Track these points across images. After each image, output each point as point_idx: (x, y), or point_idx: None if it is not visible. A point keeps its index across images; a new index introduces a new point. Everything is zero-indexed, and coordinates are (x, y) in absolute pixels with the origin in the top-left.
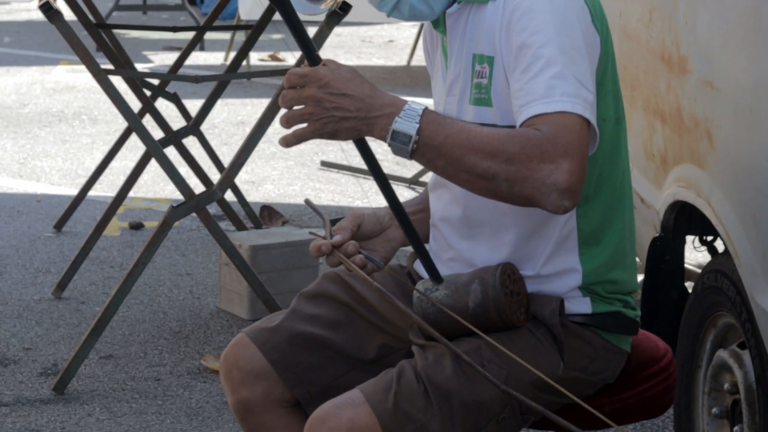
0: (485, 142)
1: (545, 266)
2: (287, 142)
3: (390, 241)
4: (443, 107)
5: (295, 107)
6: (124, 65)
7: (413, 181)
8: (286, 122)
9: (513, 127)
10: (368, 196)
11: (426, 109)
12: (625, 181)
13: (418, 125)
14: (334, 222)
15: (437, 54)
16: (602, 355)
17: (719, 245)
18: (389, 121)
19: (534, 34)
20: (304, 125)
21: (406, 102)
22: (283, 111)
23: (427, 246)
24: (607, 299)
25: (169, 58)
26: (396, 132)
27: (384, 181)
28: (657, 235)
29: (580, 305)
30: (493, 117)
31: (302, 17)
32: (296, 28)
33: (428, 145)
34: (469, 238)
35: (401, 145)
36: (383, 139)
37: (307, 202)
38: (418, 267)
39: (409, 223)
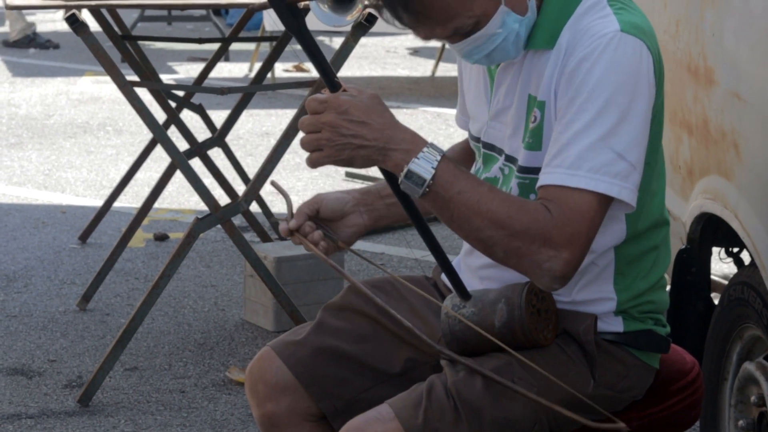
0: (493, 210)
1: (579, 293)
2: (308, 165)
3: (350, 227)
4: (486, 129)
5: (313, 133)
6: (149, 77)
7: None
8: (303, 147)
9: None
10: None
11: (444, 157)
12: (662, 212)
13: (434, 171)
14: None
15: (478, 71)
16: (632, 373)
17: (745, 257)
18: (405, 157)
19: (587, 91)
20: (320, 151)
21: (426, 143)
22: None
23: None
24: (639, 318)
25: (194, 69)
26: (411, 172)
27: (407, 200)
28: (683, 247)
29: (612, 324)
30: (540, 160)
31: (329, 27)
32: (314, 54)
33: (439, 195)
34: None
35: (414, 186)
36: (396, 173)
37: (273, 183)
38: (446, 279)
39: (435, 241)
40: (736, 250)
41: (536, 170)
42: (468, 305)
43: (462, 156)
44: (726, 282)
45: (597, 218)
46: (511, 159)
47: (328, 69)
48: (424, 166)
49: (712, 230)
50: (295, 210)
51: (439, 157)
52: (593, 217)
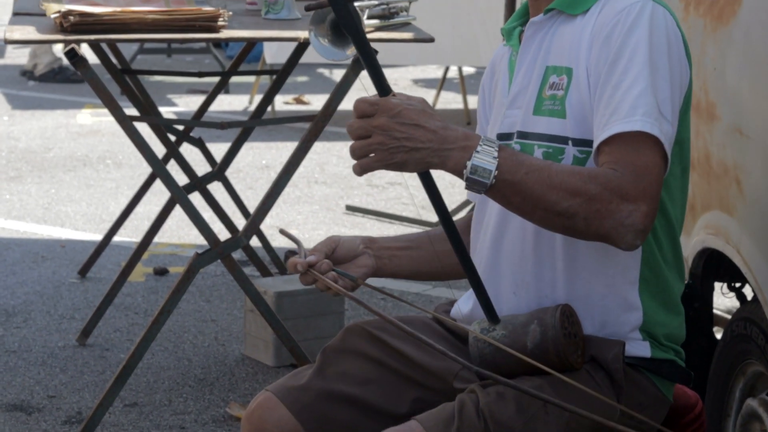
0: (566, 181)
1: (606, 298)
2: (356, 172)
3: (361, 267)
4: (502, 120)
5: (364, 138)
6: (148, 111)
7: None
8: (353, 153)
9: (584, 140)
10: None
11: (501, 145)
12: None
13: (497, 160)
14: None
15: (500, 80)
16: (652, 404)
17: (748, 292)
18: (465, 155)
19: (629, 51)
20: (372, 155)
21: (479, 137)
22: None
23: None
24: (664, 347)
25: (194, 101)
26: (475, 167)
27: (447, 217)
28: (686, 282)
29: (639, 348)
30: (563, 128)
31: (327, 61)
32: (368, 55)
33: (507, 181)
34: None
35: (480, 180)
36: (458, 173)
37: (282, 231)
38: (457, 310)
39: (469, 260)
40: (738, 285)
41: (558, 138)
42: (497, 328)
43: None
44: (729, 316)
45: (660, 174)
46: (524, 135)
47: (379, 72)
48: (486, 159)
49: (715, 265)
50: (310, 249)
51: (497, 147)
52: (658, 172)
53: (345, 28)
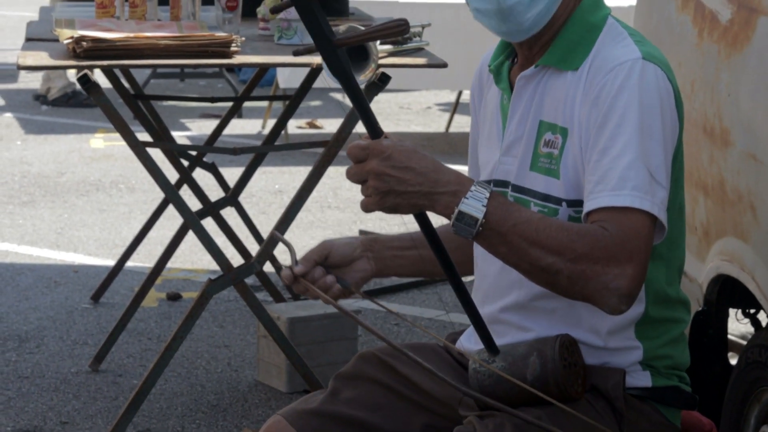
0: (553, 237)
1: (609, 340)
2: (361, 208)
3: (358, 272)
4: (495, 165)
5: (360, 182)
6: (161, 136)
7: None
8: (361, 192)
9: (577, 201)
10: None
11: (493, 192)
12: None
13: (485, 209)
14: None
15: (491, 109)
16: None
17: (762, 318)
18: (454, 200)
19: (618, 115)
20: (369, 198)
21: (472, 181)
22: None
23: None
24: (665, 374)
25: (207, 126)
26: (462, 213)
27: (444, 255)
28: (700, 308)
29: (640, 379)
30: (558, 189)
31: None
32: (359, 100)
33: (494, 231)
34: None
35: (466, 227)
36: (447, 217)
37: (274, 234)
38: (460, 346)
39: (468, 296)
40: (753, 311)
41: (553, 199)
42: (497, 360)
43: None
44: (743, 342)
45: (650, 236)
46: (519, 188)
47: (370, 115)
48: (474, 206)
49: (729, 292)
50: (300, 257)
51: (488, 194)
52: (647, 233)
53: (333, 72)
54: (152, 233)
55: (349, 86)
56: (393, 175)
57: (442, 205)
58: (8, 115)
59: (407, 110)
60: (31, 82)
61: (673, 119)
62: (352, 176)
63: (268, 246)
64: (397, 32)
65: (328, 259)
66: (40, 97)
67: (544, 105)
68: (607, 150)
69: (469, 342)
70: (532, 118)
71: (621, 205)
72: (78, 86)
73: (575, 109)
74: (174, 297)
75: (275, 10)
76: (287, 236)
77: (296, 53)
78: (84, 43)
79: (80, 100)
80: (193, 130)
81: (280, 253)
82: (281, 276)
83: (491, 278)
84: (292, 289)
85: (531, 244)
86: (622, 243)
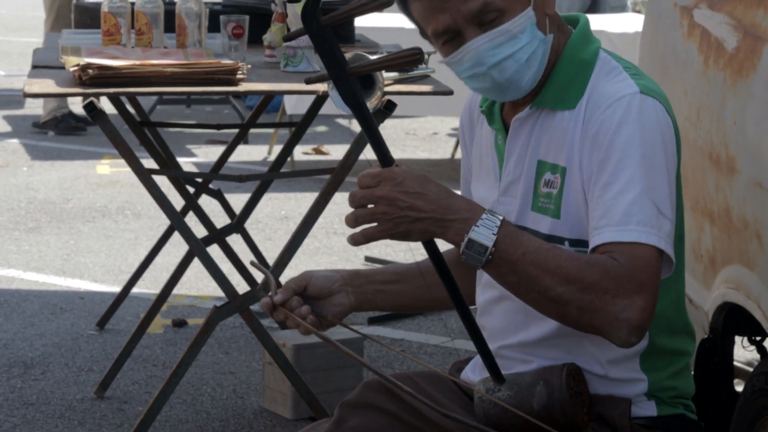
0: (563, 266)
1: (611, 369)
2: (355, 240)
3: (336, 306)
4: (494, 206)
5: (367, 206)
6: (167, 163)
7: None
8: (354, 221)
9: (580, 240)
10: None
11: (504, 221)
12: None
13: (495, 237)
14: None
15: (485, 147)
16: None
17: None
18: (465, 227)
19: (619, 150)
20: (374, 225)
21: (483, 210)
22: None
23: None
24: (671, 403)
25: (213, 151)
26: (472, 241)
27: (451, 282)
28: (706, 336)
29: (646, 408)
30: (559, 229)
31: (347, 116)
32: (371, 128)
33: (503, 260)
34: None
35: (476, 255)
36: (456, 244)
37: (253, 263)
38: (465, 377)
39: (475, 325)
40: (759, 338)
41: (554, 239)
42: (503, 389)
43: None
44: (749, 368)
45: (658, 269)
46: (522, 229)
47: (381, 143)
48: (484, 234)
49: (735, 319)
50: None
51: (499, 222)
52: (656, 265)
53: (346, 101)
54: (158, 260)
55: (361, 115)
56: (406, 200)
57: (453, 232)
58: (14, 141)
59: (413, 136)
60: (38, 108)
61: (673, 151)
62: (358, 200)
63: (273, 273)
64: (411, 61)
65: (307, 290)
66: (36, 124)
67: (542, 145)
68: (610, 185)
69: (474, 374)
70: (529, 158)
71: (627, 240)
72: (68, 111)
73: (574, 148)
74: (179, 324)
75: (288, 39)
76: (294, 262)
77: (308, 81)
78: (90, 71)
79: (69, 124)
80: (199, 156)
81: (285, 279)
82: (260, 304)
83: (494, 318)
84: (273, 318)
85: (540, 274)
86: (632, 274)
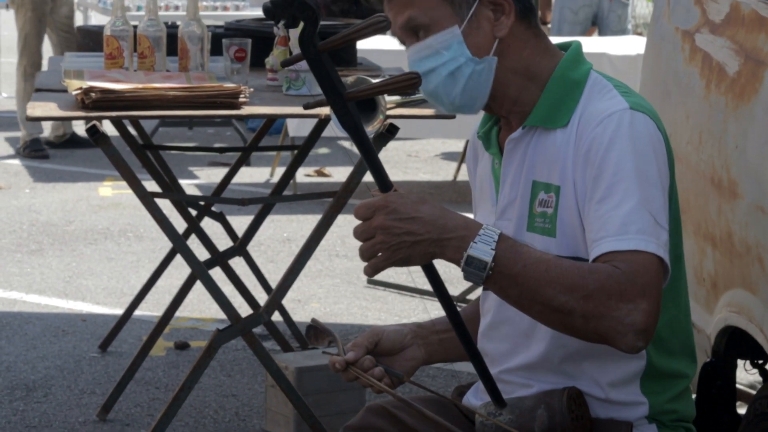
0: (564, 275)
1: (612, 392)
2: (366, 274)
3: (409, 360)
4: None
5: (368, 240)
6: (169, 186)
7: (460, 299)
8: (362, 255)
9: (576, 258)
10: (414, 315)
11: (502, 235)
12: (686, 320)
13: (494, 252)
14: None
15: (485, 175)
16: None
17: None
18: (463, 244)
19: (612, 165)
20: (378, 255)
21: (480, 225)
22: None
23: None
24: (672, 426)
25: (215, 174)
26: (471, 258)
27: (450, 305)
28: (708, 360)
29: None
30: (556, 248)
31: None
32: (369, 153)
33: (504, 274)
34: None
35: (476, 271)
36: (456, 262)
37: (314, 321)
38: (467, 401)
39: (475, 348)
40: (761, 362)
41: None
42: (504, 412)
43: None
44: (752, 391)
45: (660, 275)
46: None
47: (381, 169)
48: (483, 249)
49: (737, 343)
50: (350, 344)
51: (497, 237)
52: (657, 270)
53: (344, 126)
54: (160, 282)
55: (359, 140)
56: (400, 226)
57: (451, 250)
58: (17, 162)
59: (415, 158)
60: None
61: (665, 165)
62: (359, 234)
63: (276, 296)
64: (409, 86)
65: (378, 346)
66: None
67: (536, 165)
68: (606, 199)
69: (476, 398)
70: (524, 179)
71: (626, 248)
72: (39, 134)
73: (567, 166)
74: (182, 346)
75: (286, 64)
76: (296, 285)
77: (307, 107)
78: (93, 94)
79: (35, 148)
80: (201, 178)
81: (288, 302)
82: (330, 362)
83: (495, 342)
84: (341, 376)
85: (542, 285)
86: (634, 279)
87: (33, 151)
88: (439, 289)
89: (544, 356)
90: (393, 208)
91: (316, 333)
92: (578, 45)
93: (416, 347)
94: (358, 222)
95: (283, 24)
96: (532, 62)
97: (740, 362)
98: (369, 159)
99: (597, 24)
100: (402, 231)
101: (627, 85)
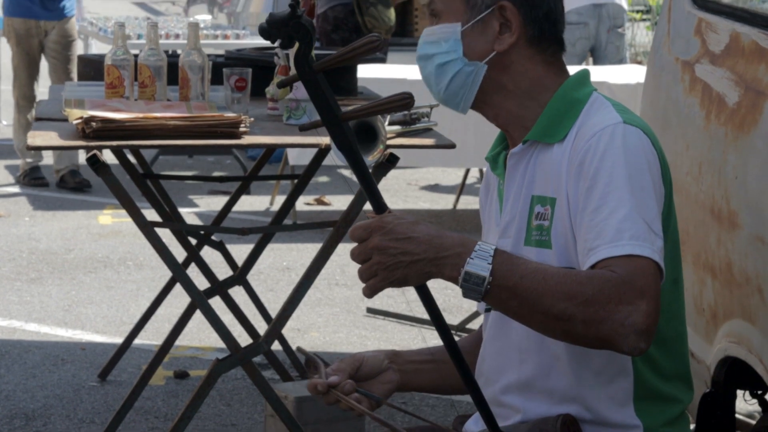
0: (562, 283)
1: (606, 413)
2: (365, 295)
3: (386, 384)
4: None
5: (365, 261)
6: (169, 215)
7: (460, 328)
8: (360, 277)
9: (570, 269)
10: (413, 344)
11: (497, 249)
12: (682, 345)
13: (491, 266)
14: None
15: (492, 201)
16: None
17: None
18: (460, 261)
19: (605, 175)
20: (376, 276)
21: (475, 242)
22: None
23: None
24: None
25: (215, 202)
26: (469, 274)
27: (445, 329)
28: (707, 390)
29: None
30: (552, 259)
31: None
32: (363, 173)
33: (502, 287)
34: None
35: (474, 287)
36: (454, 280)
37: (299, 349)
38: (468, 429)
39: (470, 374)
40: (760, 392)
41: None
42: None
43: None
44: (752, 422)
45: (657, 277)
46: None
47: (375, 191)
48: (479, 265)
49: (737, 373)
50: (332, 368)
51: (492, 251)
52: (654, 273)
53: (339, 147)
54: (160, 311)
55: (354, 161)
56: (396, 246)
57: (448, 268)
58: (16, 190)
59: (415, 187)
60: (42, 160)
61: (659, 177)
62: (356, 256)
63: (276, 325)
64: (402, 106)
65: (359, 371)
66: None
67: (536, 180)
68: (600, 209)
69: (477, 426)
70: (524, 194)
71: (621, 254)
72: (39, 162)
73: (561, 178)
74: (181, 375)
75: (282, 85)
76: (296, 314)
77: (302, 128)
78: (93, 124)
79: (34, 176)
80: (201, 206)
81: (288, 331)
82: (308, 385)
83: (489, 359)
84: (324, 401)
85: (541, 294)
86: (631, 281)
87: (32, 179)
88: (432, 312)
89: (536, 374)
90: (389, 228)
91: (315, 363)
92: (586, 72)
93: (392, 371)
94: (354, 255)
95: (279, 44)
96: (536, 83)
97: (739, 392)
98: (364, 181)
99: (594, 55)
100: (398, 251)
101: (627, 107)
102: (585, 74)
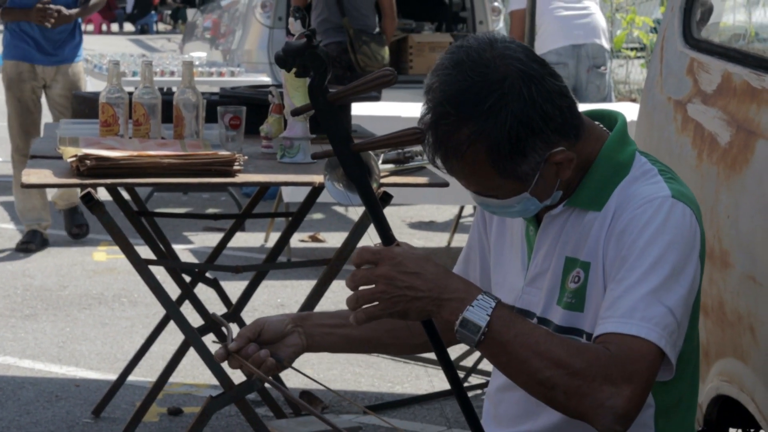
0: (553, 350)
1: None
2: (358, 320)
3: (289, 347)
4: (518, 294)
5: (366, 286)
6: (164, 253)
7: (472, 370)
8: (356, 302)
9: (571, 337)
10: (408, 381)
11: (499, 303)
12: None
13: (489, 318)
14: None
15: (515, 237)
16: None
17: None
18: (460, 306)
19: (639, 249)
20: (375, 303)
21: (480, 291)
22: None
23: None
24: None
25: (210, 239)
26: (466, 320)
27: (449, 366)
28: (700, 429)
29: None
30: (582, 322)
31: (343, 205)
32: (372, 205)
33: (495, 340)
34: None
35: (469, 334)
36: (451, 323)
37: (213, 315)
38: None
39: (472, 411)
40: (752, 431)
41: (576, 331)
42: None
43: None
44: None
45: (654, 365)
46: (544, 321)
47: (384, 221)
48: (478, 314)
49: (729, 412)
50: (235, 335)
51: (494, 304)
52: (652, 361)
53: (351, 178)
54: (154, 347)
55: (364, 192)
56: (404, 280)
57: (448, 311)
58: (11, 227)
59: (409, 224)
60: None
61: (696, 258)
62: (359, 280)
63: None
64: (413, 140)
65: (261, 336)
66: None
67: (570, 242)
68: (623, 280)
69: None
70: (558, 253)
71: (626, 332)
72: (41, 223)
73: (599, 244)
74: (175, 412)
75: (296, 113)
76: None
77: (315, 157)
78: (88, 162)
79: (26, 240)
80: (195, 243)
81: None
82: (215, 354)
83: (507, 405)
84: (230, 365)
85: (530, 356)
86: (623, 363)
87: (22, 243)
88: (437, 346)
89: (552, 425)
90: (400, 260)
91: (309, 399)
92: (624, 122)
93: (297, 335)
94: (356, 277)
95: (294, 73)
96: (588, 147)
97: (732, 431)
98: (373, 212)
99: (576, 95)
100: (405, 285)
101: (671, 169)
102: (623, 128)
